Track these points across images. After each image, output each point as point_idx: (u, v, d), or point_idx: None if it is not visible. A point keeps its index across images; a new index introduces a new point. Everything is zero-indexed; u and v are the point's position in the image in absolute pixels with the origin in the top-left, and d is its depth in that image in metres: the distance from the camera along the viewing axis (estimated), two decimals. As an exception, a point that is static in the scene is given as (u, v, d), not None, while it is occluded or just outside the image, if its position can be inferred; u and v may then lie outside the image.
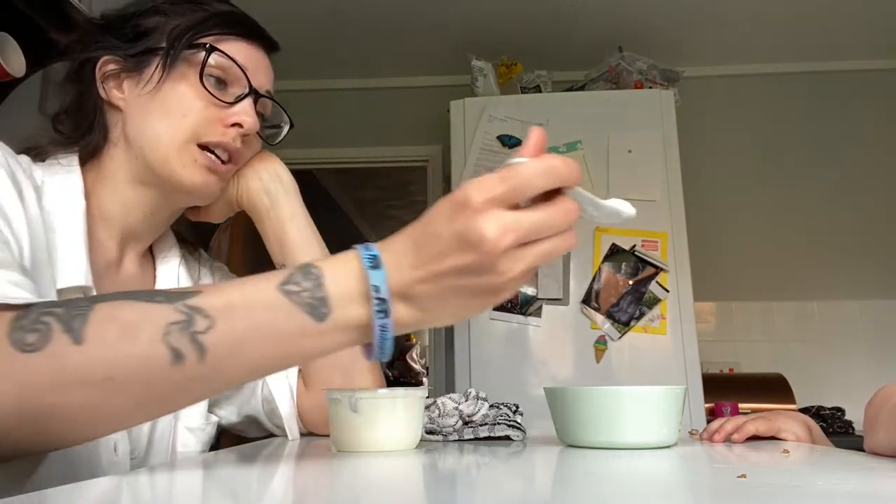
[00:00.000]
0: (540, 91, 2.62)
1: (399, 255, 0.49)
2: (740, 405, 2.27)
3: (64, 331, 0.44)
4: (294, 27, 2.81)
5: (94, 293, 0.67)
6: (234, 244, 3.18)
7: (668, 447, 0.70)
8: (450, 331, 2.55)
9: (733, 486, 0.45)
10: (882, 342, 2.83)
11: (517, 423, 0.82)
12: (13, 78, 1.51)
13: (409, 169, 3.72)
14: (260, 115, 0.79)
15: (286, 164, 0.86)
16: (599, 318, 2.24)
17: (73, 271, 0.65)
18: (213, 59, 0.74)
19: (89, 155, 0.75)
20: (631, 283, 2.26)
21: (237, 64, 0.75)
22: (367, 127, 3.25)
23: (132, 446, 0.72)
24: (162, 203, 0.77)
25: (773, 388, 2.47)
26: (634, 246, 2.29)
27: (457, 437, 0.81)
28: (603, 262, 2.29)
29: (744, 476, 0.48)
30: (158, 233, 0.81)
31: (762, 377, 2.58)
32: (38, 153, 0.72)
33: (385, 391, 0.70)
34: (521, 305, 2.29)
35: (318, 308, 0.48)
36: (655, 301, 2.24)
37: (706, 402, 2.21)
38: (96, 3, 1.81)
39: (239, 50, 0.76)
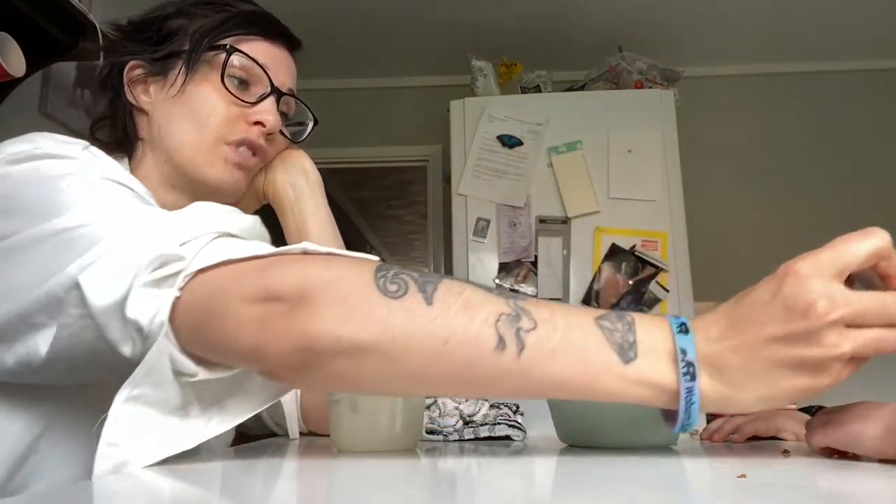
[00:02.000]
0: (540, 91, 2.62)
1: (708, 326, 0.49)
2: (740, 405, 2.27)
3: (418, 290, 0.49)
4: (293, 27, 2.80)
5: None
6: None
7: (668, 447, 0.70)
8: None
9: (733, 486, 0.45)
10: (882, 342, 2.83)
11: (517, 423, 0.82)
12: (13, 78, 1.51)
13: (409, 169, 3.73)
14: (283, 114, 0.80)
15: None
16: (599, 318, 2.24)
17: None
18: (234, 59, 0.74)
19: (128, 158, 0.76)
20: (631, 283, 2.26)
21: (258, 64, 0.75)
22: (367, 127, 3.25)
23: None
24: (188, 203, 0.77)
25: (773, 388, 2.47)
26: (634, 246, 2.29)
27: (457, 437, 0.81)
28: (603, 262, 2.29)
29: (744, 476, 0.48)
30: None
31: (762, 377, 2.58)
32: None
33: (385, 391, 0.70)
34: (521, 305, 2.29)
35: (626, 350, 0.48)
36: (655, 301, 2.24)
37: (706, 402, 2.21)
38: (96, 2, 1.81)
39: (260, 49, 0.77)
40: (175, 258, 0.52)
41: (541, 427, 0.86)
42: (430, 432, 0.81)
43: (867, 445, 0.55)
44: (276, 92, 0.77)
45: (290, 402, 0.85)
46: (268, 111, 0.76)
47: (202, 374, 0.52)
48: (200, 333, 0.51)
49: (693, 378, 0.47)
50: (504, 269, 2.33)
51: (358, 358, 0.49)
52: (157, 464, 0.54)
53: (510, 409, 0.86)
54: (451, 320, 0.48)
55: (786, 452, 0.66)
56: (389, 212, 6.03)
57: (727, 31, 2.91)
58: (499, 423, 0.81)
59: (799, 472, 0.53)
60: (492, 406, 0.85)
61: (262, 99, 0.76)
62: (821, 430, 0.60)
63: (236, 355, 0.52)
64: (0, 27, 1.49)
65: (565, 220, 2.34)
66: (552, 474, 0.57)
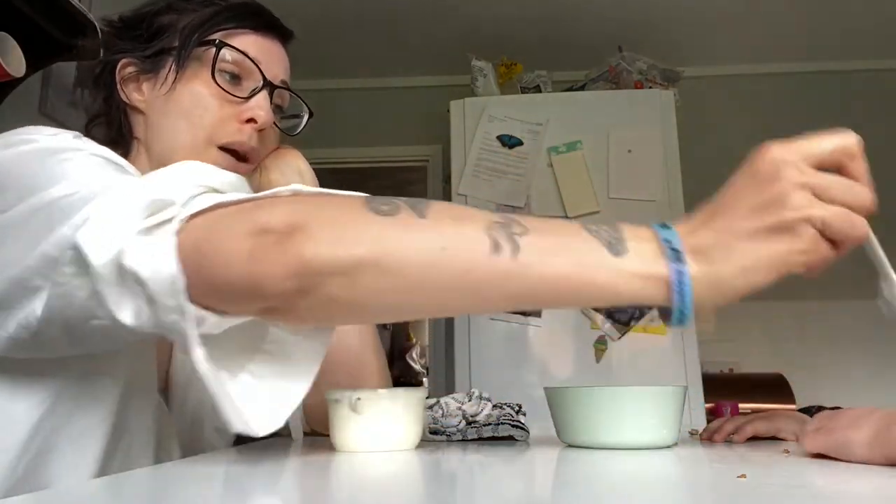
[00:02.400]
0: (540, 91, 2.62)
1: (690, 220, 0.52)
2: (740, 405, 2.26)
3: (410, 207, 0.51)
4: (294, 27, 2.80)
5: None
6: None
7: (668, 447, 0.70)
8: (450, 331, 2.56)
9: (733, 486, 0.46)
10: (882, 342, 2.83)
11: (521, 423, 0.82)
12: (13, 78, 1.51)
13: (409, 169, 3.72)
14: (278, 107, 0.80)
15: None
16: (599, 318, 2.24)
17: None
18: (225, 54, 0.74)
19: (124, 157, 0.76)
20: (631, 283, 2.26)
21: (248, 57, 0.75)
22: (367, 127, 3.25)
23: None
24: None
25: (773, 388, 2.47)
26: (634, 246, 2.28)
27: (461, 438, 0.81)
28: (603, 262, 2.29)
29: (744, 476, 0.48)
30: None
31: (762, 377, 2.58)
32: None
33: (385, 391, 0.70)
34: (521, 305, 2.29)
35: (615, 245, 0.50)
36: (655, 301, 2.24)
37: (706, 402, 2.21)
38: (96, 2, 1.81)
39: (251, 43, 0.76)
40: (167, 203, 0.51)
41: (541, 427, 0.86)
42: (434, 432, 0.81)
43: (856, 452, 0.55)
44: (269, 85, 0.76)
45: None
46: (260, 106, 0.75)
47: (210, 317, 0.51)
48: (198, 277, 0.51)
49: (682, 262, 0.49)
50: (504, 269, 2.33)
51: (355, 274, 0.49)
52: (155, 464, 0.54)
53: (513, 409, 0.86)
54: (445, 229, 0.50)
55: (786, 452, 0.66)
56: (389, 212, 6.02)
57: (727, 31, 2.91)
58: (502, 424, 0.81)
59: (799, 472, 0.53)
60: (495, 406, 0.85)
61: (254, 93, 0.75)
62: (812, 436, 0.61)
63: (232, 290, 0.51)
64: (0, 27, 1.48)
65: (565, 220, 2.34)
66: (552, 474, 0.57)
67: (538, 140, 2.40)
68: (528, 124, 2.42)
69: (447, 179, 2.59)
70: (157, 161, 0.74)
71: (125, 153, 0.76)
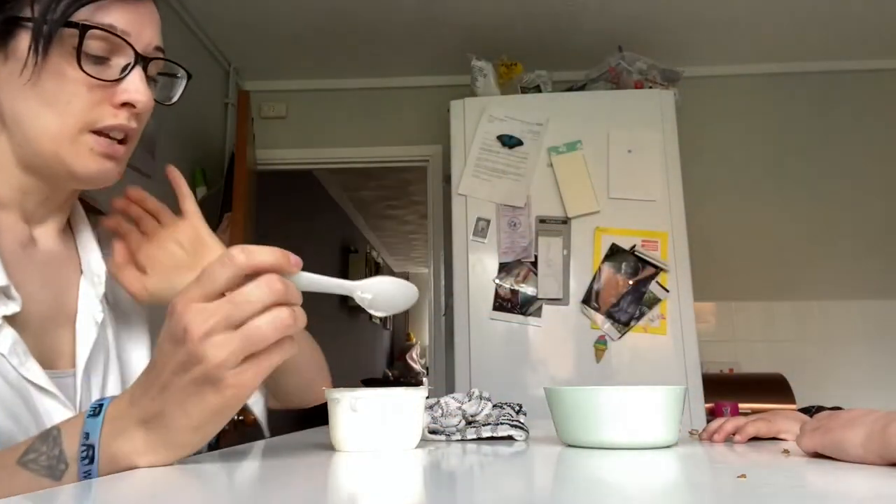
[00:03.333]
0: (540, 91, 2.62)
1: (136, 385, 0.51)
2: (740, 405, 2.27)
3: None
4: (294, 28, 2.81)
5: (11, 287, 0.62)
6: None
7: (668, 447, 0.70)
8: (450, 331, 2.56)
9: (733, 486, 0.46)
10: (882, 342, 2.83)
11: (520, 422, 0.82)
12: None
13: (409, 169, 3.73)
14: (152, 78, 0.72)
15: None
16: (599, 318, 2.24)
17: None
18: (91, 34, 0.64)
19: None
20: (631, 283, 2.27)
21: (116, 34, 0.66)
22: (367, 127, 3.25)
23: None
24: (54, 189, 0.70)
25: (773, 388, 2.47)
26: (634, 246, 2.29)
27: (460, 437, 0.81)
28: (603, 262, 2.29)
29: (744, 476, 0.48)
30: (64, 213, 0.74)
31: (762, 377, 2.59)
32: None
33: (385, 391, 0.70)
34: (521, 305, 2.29)
35: (55, 467, 0.49)
36: (655, 301, 2.24)
37: (706, 402, 2.21)
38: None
39: (117, 13, 0.66)
40: None
41: (541, 427, 0.86)
42: (433, 432, 0.81)
43: (850, 452, 0.56)
44: (142, 59, 0.67)
45: (260, 404, 0.85)
46: (137, 90, 0.66)
47: None
48: None
49: (91, 461, 0.50)
50: (504, 269, 2.33)
51: None
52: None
53: (513, 408, 0.86)
54: None
55: (786, 452, 0.66)
56: (389, 212, 6.03)
57: (727, 31, 2.91)
58: (501, 423, 0.81)
59: (799, 472, 0.53)
60: (494, 406, 0.85)
61: (126, 73, 0.66)
62: (809, 435, 0.61)
63: None
64: None
65: (565, 220, 2.34)
66: (552, 474, 0.57)
67: (538, 140, 2.40)
68: (528, 124, 2.42)
69: (447, 179, 2.59)
70: (22, 146, 0.66)
71: None
